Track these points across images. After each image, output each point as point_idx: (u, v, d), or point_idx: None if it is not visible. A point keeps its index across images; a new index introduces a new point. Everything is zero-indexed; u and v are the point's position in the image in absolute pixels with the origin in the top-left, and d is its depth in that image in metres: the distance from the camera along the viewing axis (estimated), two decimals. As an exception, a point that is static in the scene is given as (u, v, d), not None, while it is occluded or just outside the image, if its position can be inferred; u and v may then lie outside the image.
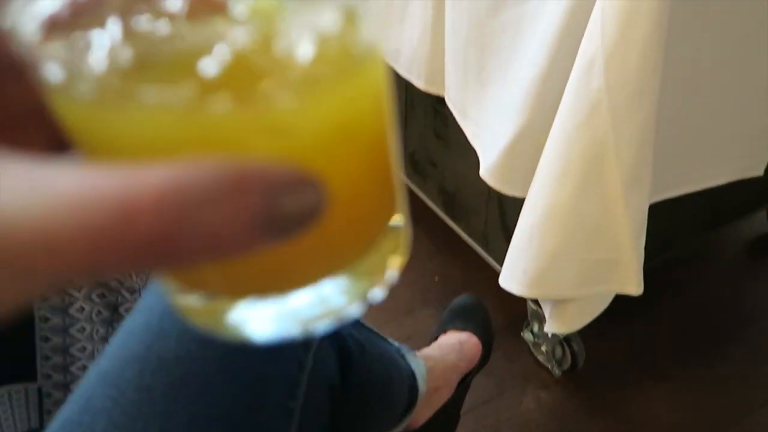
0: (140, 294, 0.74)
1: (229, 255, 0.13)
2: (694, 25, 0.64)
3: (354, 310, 0.18)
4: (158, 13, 0.15)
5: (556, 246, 0.68)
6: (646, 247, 0.71)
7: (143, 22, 0.15)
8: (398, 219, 0.20)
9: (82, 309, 0.64)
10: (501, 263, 0.79)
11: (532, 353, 1.02)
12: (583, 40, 0.59)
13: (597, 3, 0.57)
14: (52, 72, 0.14)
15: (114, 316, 0.69)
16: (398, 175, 0.20)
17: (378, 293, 0.19)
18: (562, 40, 0.62)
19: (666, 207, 0.79)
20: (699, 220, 1.02)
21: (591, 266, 0.70)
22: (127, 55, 0.14)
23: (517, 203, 0.75)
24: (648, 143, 0.62)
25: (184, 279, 0.18)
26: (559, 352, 0.95)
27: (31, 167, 0.12)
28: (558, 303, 0.78)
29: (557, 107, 0.64)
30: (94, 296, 0.66)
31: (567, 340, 0.93)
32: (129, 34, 0.14)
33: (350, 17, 0.16)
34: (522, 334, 1.02)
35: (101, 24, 0.15)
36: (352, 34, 0.16)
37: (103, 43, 0.14)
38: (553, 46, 0.63)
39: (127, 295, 0.72)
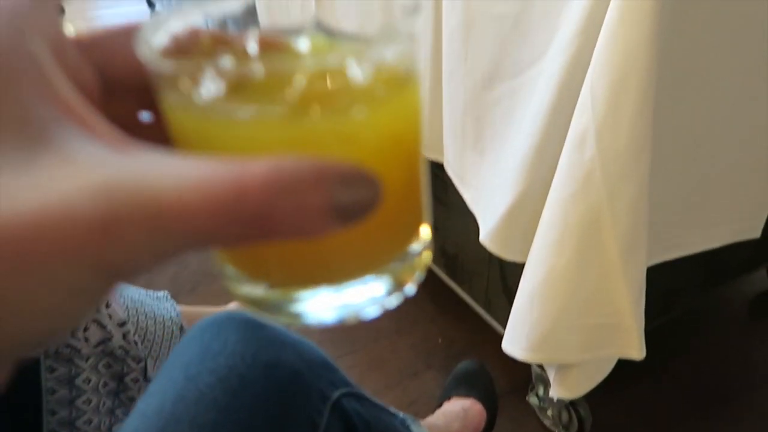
0: (145, 363, 0.75)
1: (308, 235, 0.16)
2: (683, 93, 0.67)
3: (394, 300, 0.22)
4: (244, 51, 0.20)
5: (557, 311, 0.69)
6: (646, 309, 0.72)
7: (240, 55, 0.20)
8: (426, 228, 0.24)
9: (89, 380, 0.64)
10: (504, 325, 0.79)
11: (538, 417, 1.01)
12: (575, 113, 0.61)
13: (586, 78, 0.60)
14: (176, 84, 0.18)
15: (120, 386, 0.69)
16: (426, 188, 0.23)
17: (412, 288, 0.22)
18: (555, 112, 0.65)
19: (665, 268, 0.80)
20: (698, 280, 1.03)
21: (592, 331, 0.71)
22: (233, 76, 0.18)
23: (518, 266, 0.76)
24: (643, 210, 0.64)
25: (252, 270, 0.21)
26: (565, 416, 0.94)
27: (165, 156, 0.15)
28: (562, 368, 0.78)
29: (553, 176, 0.66)
30: (100, 367, 0.67)
31: (573, 404, 0.92)
32: (233, 62, 0.18)
33: (390, 45, 0.20)
34: (527, 398, 1.01)
35: (213, 54, 0.19)
36: (396, 60, 0.20)
37: (220, 65, 0.18)
38: (547, 117, 0.65)
39: (132, 364, 0.72)
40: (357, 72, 0.18)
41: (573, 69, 0.62)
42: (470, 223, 0.87)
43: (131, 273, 0.15)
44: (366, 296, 0.21)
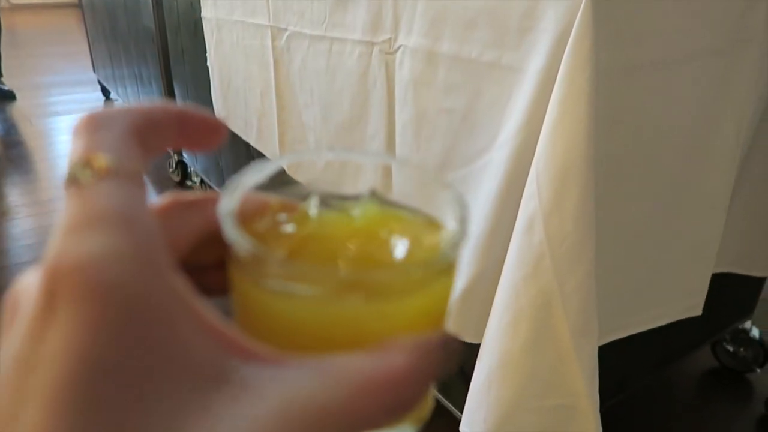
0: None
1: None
2: (624, 182, 0.71)
3: None
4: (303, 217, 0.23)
5: (513, 393, 0.70)
6: (601, 389, 0.73)
7: (299, 226, 0.23)
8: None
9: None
10: (461, 410, 0.79)
11: (498, 505, 0.99)
12: (522, 200, 0.65)
13: (532, 167, 0.64)
14: (242, 251, 0.20)
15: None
16: None
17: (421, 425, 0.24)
18: (503, 199, 0.68)
19: (618, 349, 0.82)
20: (649, 359, 1.05)
21: (549, 413, 0.71)
22: (288, 247, 0.21)
23: (475, 348, 0.77)
24: (591, 291, 0.66)
25: None
26: (525, 502, 0.93)
27: (319, 363, 0.16)
28: (520, 451, 0.78)
29: (504, 258, 0.69)
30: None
31: (533, 489, 0.91)
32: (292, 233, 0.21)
33: (442, 229, 0.23)
34: (487, 484, 0.99)
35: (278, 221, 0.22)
36: (444, 245, 0.22)
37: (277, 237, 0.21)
38: (496, 204, 0.69)
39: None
40: (400, 251, 0.21)
41: (519, 158, 0.66)
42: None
43: None
44: None
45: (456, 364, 0.18)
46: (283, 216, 0.23)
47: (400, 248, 0.22)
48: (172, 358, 0.14)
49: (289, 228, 0.22)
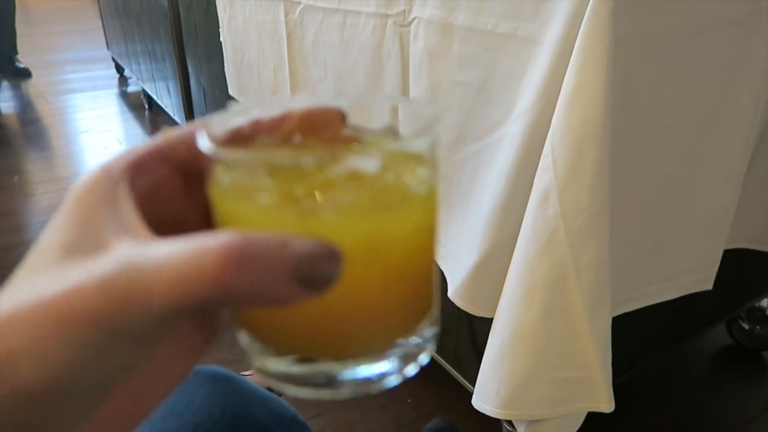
0: None
1: (276, 302, 0.18)
2: (638, 154, 0.71)
3: (394, 380, 0.24)
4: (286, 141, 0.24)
5: (526, 366, 0.70)
6: (614, 364, 0.73)
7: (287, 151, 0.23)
8: (433, 318, 0.26)
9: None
10: (474, 383, 0.80)
11: (509, 477, 1.00)
12: (537, 174, 0.64)
13: (547, 140, 0.63)
14: (221, 168, 0.22)
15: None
16: (432, 289, 0.26)
17: (413, 370, 0.25)
18: (518, 172, 0.68)
19: (630, 324, 0.82)
20: (663, 336, 1.05)
21: (562, 385, 0.72)
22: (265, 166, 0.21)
23: (487, 323, 0.77)
24: (605, 265, 0.66)
25: (278, 343, 0.24)
26: (536, 474, 0.94)
27: (170, 242, 0.19)
28: (532, 424, 0.79)
29: (518, 233, 0.69)
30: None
31: (544, 461, 0.92)
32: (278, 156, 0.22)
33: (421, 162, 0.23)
34: (499, 457, 1.01)
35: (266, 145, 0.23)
36: (410, 178, 0.22)
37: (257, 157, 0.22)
38: (511, 178, 0.68)
39: None
40: (371, 169, 0.21)
41: (534, 132, 0.65)
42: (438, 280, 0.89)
43: (136, 335, 0.19)
44: (374, 371, 0.23)
45: (332, 278, 0.19)
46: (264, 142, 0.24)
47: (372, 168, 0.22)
48: (87, 225, 0.21)
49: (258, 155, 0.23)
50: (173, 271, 0.17)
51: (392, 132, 0.25)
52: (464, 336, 0.99)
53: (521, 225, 0.68)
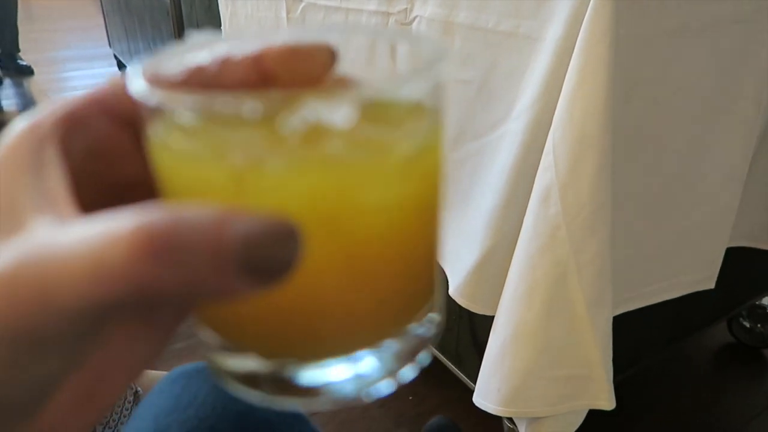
0: (94, 429, 0.72)
1: (210, 296, 0.14)
2: (640, 153, 0.71)
3: (385, 386, 0.20)
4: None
5: (527, 364, 0.70)
6: (615, 362, 0.73)
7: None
8: (433, 310, 0.22)
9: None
10: (475, 381, 0.80)
11: (510, 474, 1.00)
12: (539, 171, 0.65)
13: (548, 138, 0.63)
14: (157, 117, 0.17)
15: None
16: (432, 273, 0.21)
17: (409, 373, 0.20)
18: (519, 170, 0.68)
19: (631, 322, 0.82)
20: (664, 334, 1.05)
21: (563, 383, 0.72)
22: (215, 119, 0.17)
23: (488, 320, 0.77)
24: (607, 263, 0.66)
25: (240, 336, 0.19)
26: (537, 472, 0.94)
27: (86, 222, 0.15)
28: (533, 422, 0.79)
29: (519, 231, 0.69)
30: None
31: (545, 459, 0.92)
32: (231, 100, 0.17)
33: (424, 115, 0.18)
34: (499, 454, 1.01)
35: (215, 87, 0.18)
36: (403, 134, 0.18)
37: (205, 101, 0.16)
38: (512, 176, 0.68)
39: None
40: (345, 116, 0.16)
41: (535, 130, 0.65)
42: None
43: (54, 341, 0.15)
44: (352, 374, 0.19)
45: (289, 264, 0.14)
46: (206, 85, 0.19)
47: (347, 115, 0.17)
48: (4, 196, 0.17)
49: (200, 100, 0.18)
50: (79, 263, 0.14)
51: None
52: (465, 333, 0.99)
53: (522, 223, 0.68)
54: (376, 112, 0.17)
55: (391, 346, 0.20)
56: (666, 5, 0.62)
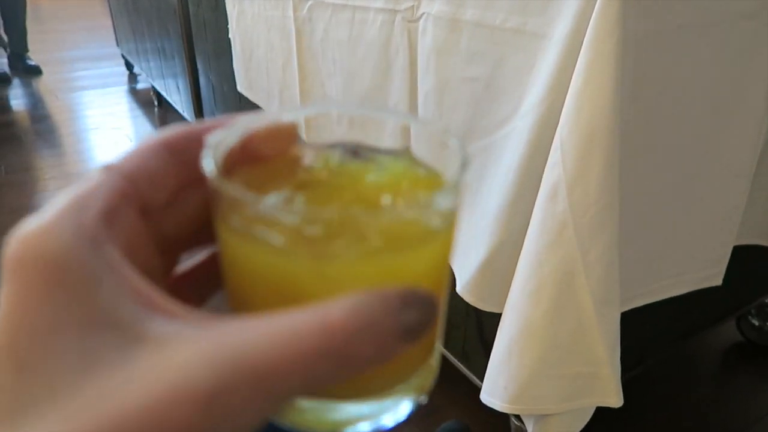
0: None
1: (386, 360, 0.17)
2: (647, 150, 0.71)
3: (407, 410, 0.22)
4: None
5: (534, 361, 0.70)
6: (623, 360, 0.73)
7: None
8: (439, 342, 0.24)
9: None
10: (482, 378, 0.80)
11: (518, 472, 1.00)
12: (546, 169, 0.64)
13: (556, 136, 0.63)
14: (215, 186, 0.19)
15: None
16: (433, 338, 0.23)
17: (424, 398, 0.23)
18: (527, 168, 0.68)
19: (639, 320, 0.82)
20: (672, 332, 1.05)
21: (571, 380, 0.72)
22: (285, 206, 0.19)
23: (495, 318, 0.77)
24: (614, 260, 0.66)
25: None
26: (545, 470, 0.94)
27: (247, 321, 0.16)
28: (540, 419, 0.79)
29: (526, 228, 0.69)
30: None
31: (552, 456, 0.92)
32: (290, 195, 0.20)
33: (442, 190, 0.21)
34: (507, 452, 1.01)
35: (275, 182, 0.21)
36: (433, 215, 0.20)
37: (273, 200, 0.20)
38: (520, 173, 0.68)
39: None
40: (402, 211, 0.20)
41: (543, 127, 0.65)
42: (447, 276, 0.89)
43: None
44: (388, 407, 0.21)
45: (432, 321, 0.17)
46: (292, 161, 0.22)
47: (394, 201, 0.21)
48: (93, 317, 0.16)
49: (289, 172, 0.21)
50: (294, 353, 0.15)
51: (407, 155, 0.23)
52: (472, 331, 0.99)
53: (530, 220, 0.68)
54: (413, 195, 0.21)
55: (418, 377, 0.22)
56: (673, 1, 0.62)
